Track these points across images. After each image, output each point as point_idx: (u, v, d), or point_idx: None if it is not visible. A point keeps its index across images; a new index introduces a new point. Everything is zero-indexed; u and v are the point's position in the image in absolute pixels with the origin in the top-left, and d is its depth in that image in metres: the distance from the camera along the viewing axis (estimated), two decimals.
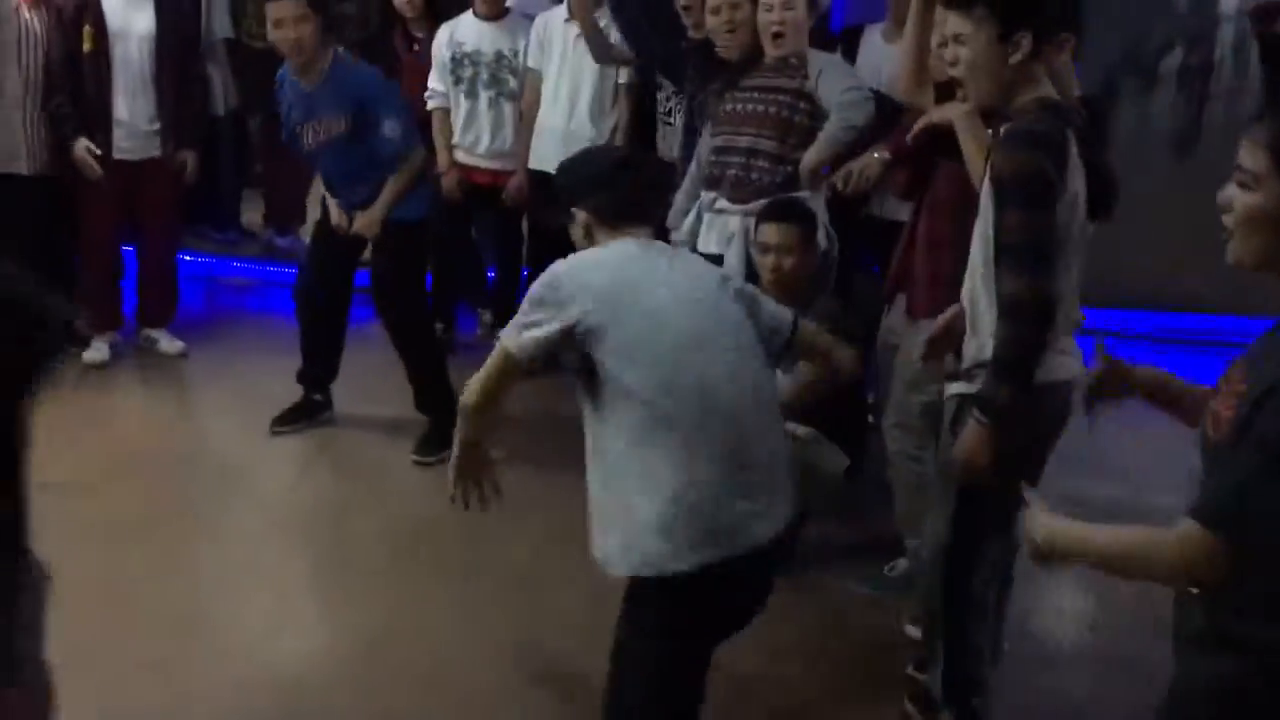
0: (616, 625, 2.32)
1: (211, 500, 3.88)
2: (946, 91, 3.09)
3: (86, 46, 4.54)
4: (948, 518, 2.55)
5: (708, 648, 2.35)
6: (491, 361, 2.37)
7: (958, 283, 3.12)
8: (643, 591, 2.25)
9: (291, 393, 4.40)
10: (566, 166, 2.67)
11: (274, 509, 3.88)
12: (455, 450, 2.51)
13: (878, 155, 3.48)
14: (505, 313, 5.14)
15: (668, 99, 4.48)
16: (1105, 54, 5.65)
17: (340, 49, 4.10)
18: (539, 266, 4.86)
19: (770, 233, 3.48)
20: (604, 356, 2.21)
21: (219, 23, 5.97)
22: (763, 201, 3.68)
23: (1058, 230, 2.36)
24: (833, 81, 3.65)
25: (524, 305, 2.33)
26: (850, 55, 4.35)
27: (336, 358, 4.42)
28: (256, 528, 3.73)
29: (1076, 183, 2.40)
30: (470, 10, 4.89)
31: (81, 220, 4.81)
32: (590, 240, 2.53)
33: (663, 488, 2.16)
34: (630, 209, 2.51)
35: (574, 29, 4.67)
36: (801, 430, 3.47)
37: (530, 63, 4.83)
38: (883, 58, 4.17)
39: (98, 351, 4.83)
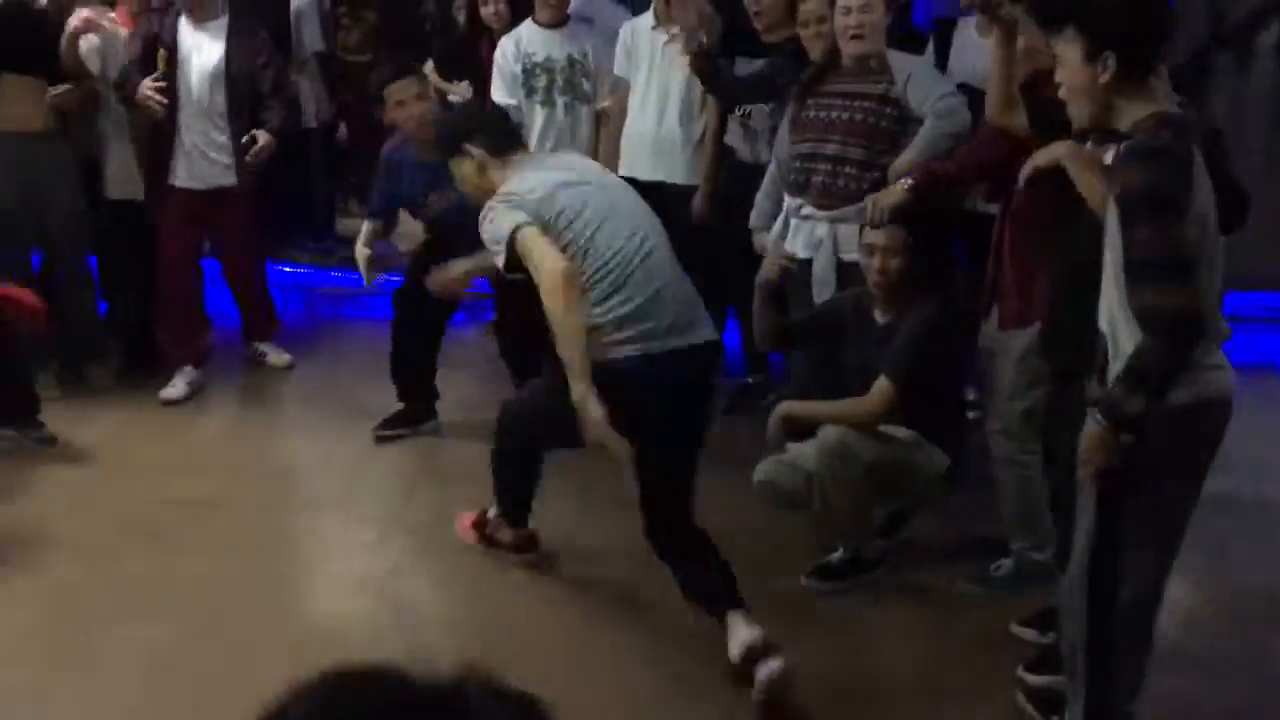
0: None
1: (327, 512, 4.01)
2: (1032, 99, 3.11)
3: (160, 68, 4.58)
4: (1088, 533, 2.50)
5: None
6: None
7: (1042, 291, 3.17)
8: None
9: (394, 400, 4.53)
10: (449, 121, 3.48)
11: (387, 520, 4.02)
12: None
13: (904, 185, 3.50)
14: None
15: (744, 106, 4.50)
16: (1195, 29, 5.55)
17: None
18: None
19: (875, 234, 3.51)
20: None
21: (310, 38, 6.12)
22: (850, 208, 3.72)
23: (1189, 246, 2.31)
24: (924, 87, 3.67)
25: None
26: (943, 48, 4.34)
27: (432, 367, 4.50)
28: (370, 538, 3.85)
29: (1204, 197, 2.36)
30: (529, 21, 4.91)
31: (157, 250, 4.80)
32: (482, 176, 3.20)
33: None
34: (511, 141, 3.30)
35: (661, 36, 4.70)
36: (902, 432, 3.51)
37: (616, 70, 4.87)
38: (977, 52, 4.15)
39: (174, 389, 4.76)
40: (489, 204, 3.06)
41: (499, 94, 4.90)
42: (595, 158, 4.85)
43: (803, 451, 3.57)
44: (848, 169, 3.75)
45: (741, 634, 3.01)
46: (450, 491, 4.03)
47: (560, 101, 4.91)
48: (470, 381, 4.66)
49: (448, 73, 5.49)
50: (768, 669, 2.94)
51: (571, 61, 4.89)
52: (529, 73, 4.88)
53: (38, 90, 4.50)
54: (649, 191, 4.63)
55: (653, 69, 4.75)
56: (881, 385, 3.43)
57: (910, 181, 3.49)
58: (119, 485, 4.10)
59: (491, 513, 3.64)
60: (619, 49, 4.85)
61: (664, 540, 3.16)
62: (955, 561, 3.65)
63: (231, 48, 4.66)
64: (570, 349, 2.92)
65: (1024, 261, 3.25)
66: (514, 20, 5.08)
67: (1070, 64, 2.40)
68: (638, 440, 2.98)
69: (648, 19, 4.80)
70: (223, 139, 4.70)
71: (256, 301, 5.19)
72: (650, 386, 3.01)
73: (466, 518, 3.72)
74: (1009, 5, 3.10)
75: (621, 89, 4.86)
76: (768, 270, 3.69)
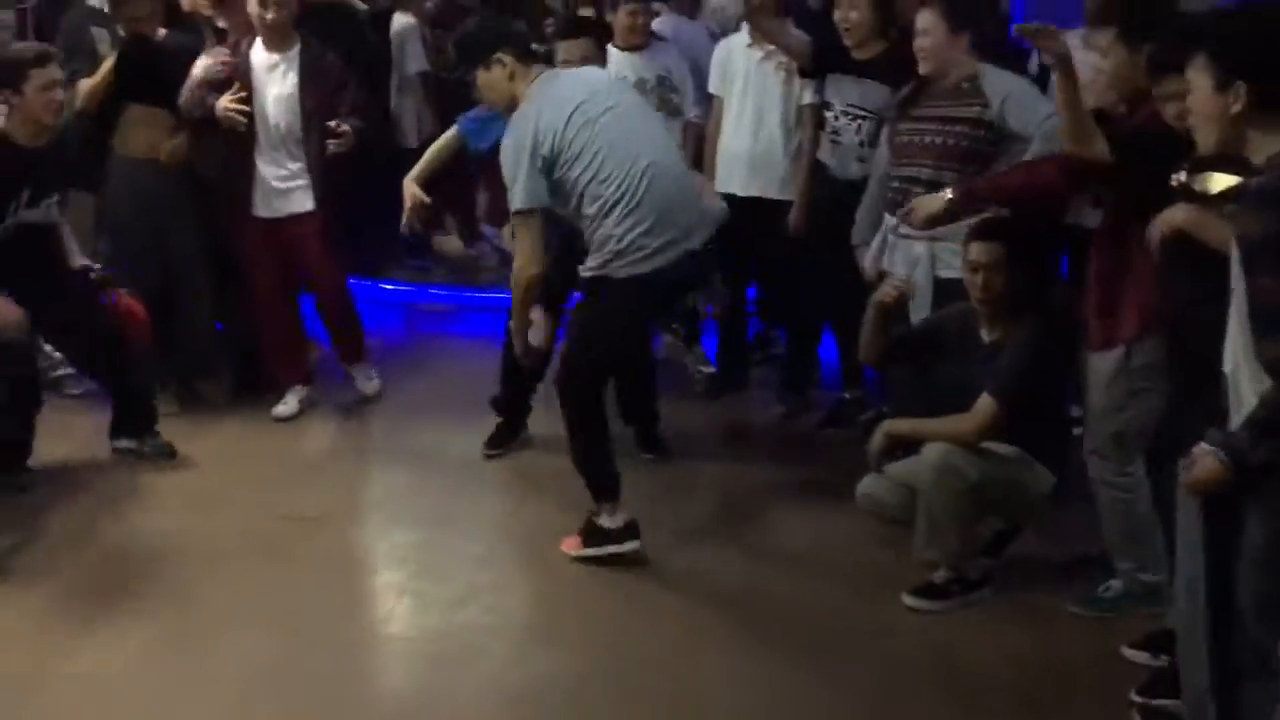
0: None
1: (433, 527, 4.08)
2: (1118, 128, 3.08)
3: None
4: (1203, 578, 2.45)
5: None
6: None
7: (1124, 314, 3.13)
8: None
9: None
10: (467, 32, 3.87)
11: (492, 534, 4.09)
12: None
13: (944, 196, 3.48)
14: (693, 329, 5.37)
15: (835, 118, 4.50)
16: None
17: None
18: (727, 280, 5.07)
19: (979, 251, 3.48)
20: None
21: (413, 58, 6.29)
22: (946, 227, 3.72)
23: None
24: (1024, 109, 3.65)
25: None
26: (1045, 64, 4.29)
27: (535, 385, 4.52)
28: (477, 552, 3.92)
29: None
30: (610, 47, 4.93)
31: (246, 280, 4.89)
32: (511, 83, 3.62)
33: None
34: (534, 54, 3.77)
35: (756, 53, 4.75)
36: (1007, 449, 3.48)
37: (711, 87, 4.93)
38: (1081, 64, 4.10)
39: (286, 406, 4.87)
40: (506, 138, 3.59)
41: None
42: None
43: (907, 466, 3.56)
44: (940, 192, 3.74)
45: (606, 521, 3.67)
46: (555, 504, 4.07)
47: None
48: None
49: None
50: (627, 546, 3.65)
51: (660, 79, 4.97)
52: None
53: (161, 118, 4.64)
54: (746, 206, 4.73)
55: (748, 86, 4.80)
56: (985, 403, 3.41)
57: (950, 194, 3.46)
58: (232, 499, 4.22)
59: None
60: (714, 66, 4.91)
61: (576, 399, 3.66)
62: (1063, 581, 3.60)
63: (305, 74, 4.65)
64: (517, 314, 3.78)
65: (1108, 284, 3.23)
66: None
67: (1200, 92, 2.33)
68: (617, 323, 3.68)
69: (742, 37, 4.87)
70: (298, 166, 4.71)
71: (344, 326, 5.11)
72: (662, 284, 3.59)
73: (570, 540, 3.79)
74: (1060, 41, 3.08)
75: (715, 106, 4.90)
76: (885, 294, 3.69)
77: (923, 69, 3.80)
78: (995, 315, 3.52)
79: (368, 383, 5.11)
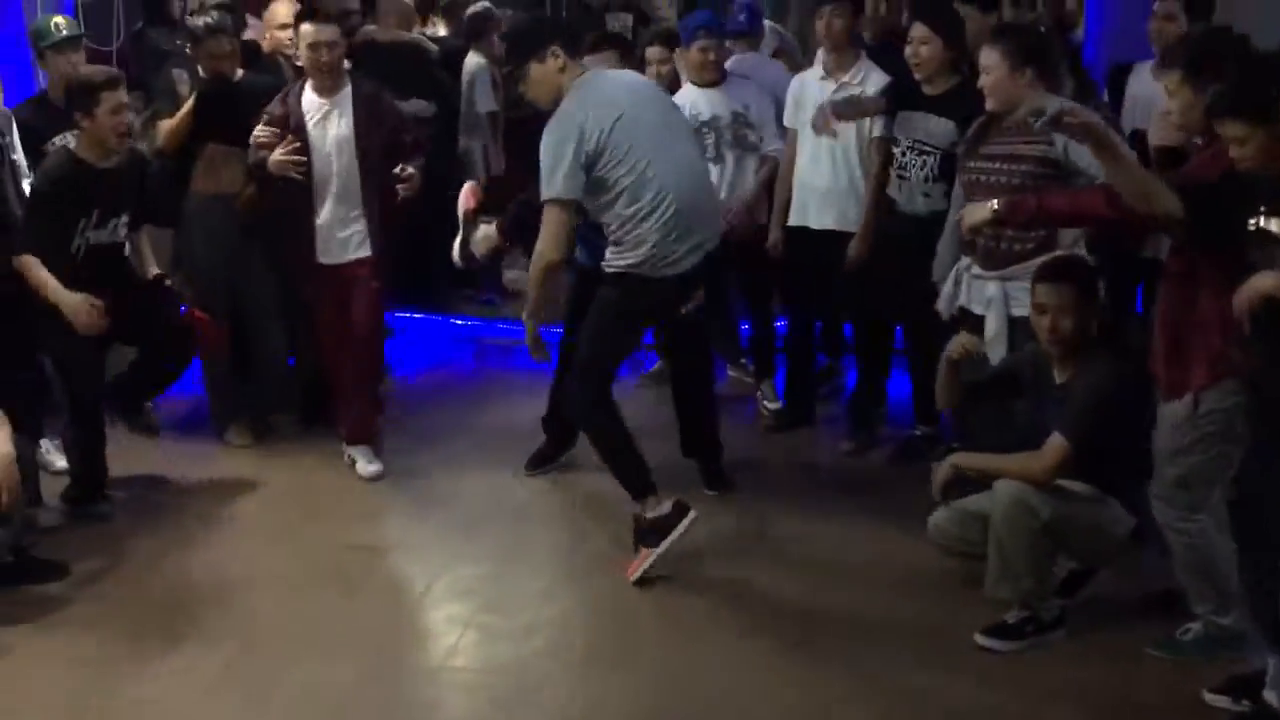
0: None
1: (497, 559, 4.09)
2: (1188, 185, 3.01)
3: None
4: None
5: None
6: None
7: (1194, 363, 3.06)
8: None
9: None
10: (521, 24, 4.08)
11: (556, 567, 4.09)
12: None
13: (991, 204, 3.42)
14: (764, 362, 5.34)
15: (903, 153, 4.48)
16: None
17: None
18: (797, 314, 5.10)
19: (1045, 293, 3.44)
20: None
21: (482, 99, 6.40)
22: (1018, 266, 3.69)
23: None
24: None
25: None
26: (1117, 94, 4.25)
27: None
28: (541, 586, 3.91)
29: None
30: (688, 83, 4.99)
31: (317, 334, 4.78)
32: (562, 75, 3.75)
33: None
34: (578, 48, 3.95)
35: (830, 86, 4.76)
36: (1082, 488, 3.40)
37: (786, 121, 4.94)
38: (1154, 93, 4.09)
39: (370, 464, 4.69)
40: (549, 132, 3.72)
41: None
42: (758, 204, 4.98)
43: (977, 502, 3.50)
44: (1010, 231, 3.71)
45: (653, 512, 3.78)
46: (615, 537, 4.05)
47: (730, 156, 4.99)
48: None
49: None
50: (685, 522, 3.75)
51: (736, 116, 4.96)
52: (697, 132, 4.91)
53: (239, 158, 4.71)
54: (819, 239, 4.72)
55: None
56: (1056, 443, 3.34)
57: (995, 204, 3.42)
58: (301, 530, 4.28)
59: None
60: (789, 100, 4.93)
61: (591, 401, 3.88)
62: (1142, 623, 3.50)
63: (359, 118, 4.55)
64: (531, 292, 3.93)
65: (1175, 329, 3.16)
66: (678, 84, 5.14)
67: (1255, 141, 2.29)
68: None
69: (816, 71, 4.87)
70: (356, 211, 4.61)
71: (362, 396, 4.81)
72: (685, 285, 3.88)
73: (630, 564, 3.81)
74: (1081, 120, 3.00)
75: (789, 138, 4.92)
76: (954, 350, 3.67)
77: (989, 105, 3.78)
78: (1066, 356, 3.47)
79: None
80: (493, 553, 4.12)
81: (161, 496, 4.53)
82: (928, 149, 4.39)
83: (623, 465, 3.88)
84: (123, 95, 4.19)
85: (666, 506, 3.78)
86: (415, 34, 6.55)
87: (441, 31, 7.03)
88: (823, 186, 4.78)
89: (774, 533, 4.23)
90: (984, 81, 3.76)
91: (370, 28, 6.03)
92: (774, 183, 4.95)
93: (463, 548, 4.17)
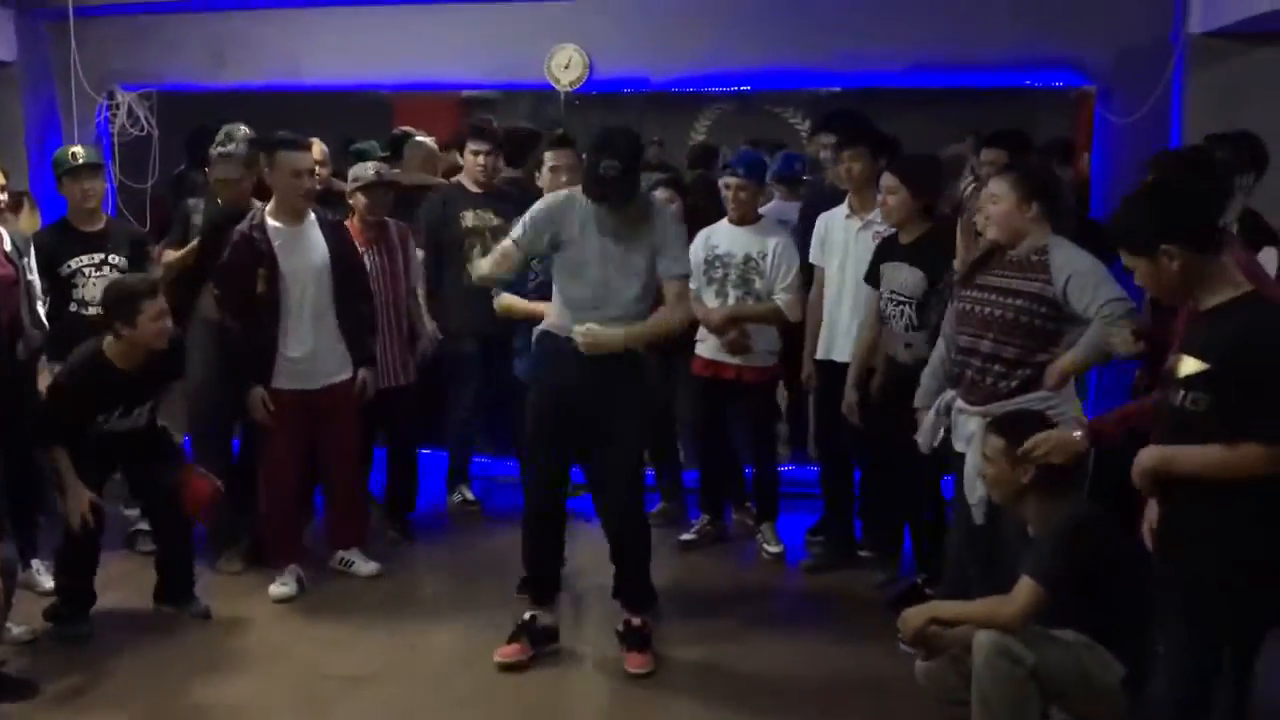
0: None
1: (482, 696, 3.98)
2: None
3: (260, 288, 4.57)
4: None
5: None
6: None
7: None
8: None
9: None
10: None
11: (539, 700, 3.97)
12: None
13: (1077, 435, 3.33)
14: (767, 505, 5.27)
15: (884, 305, 4.52)
16: None
17: None
18: (830, 453, 5.09)
19: (989, 444, 3.42)
20: None
21: None
22: (998, 404, 3.63)
23: None
24: (1088, 290, 3.51)
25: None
26: None
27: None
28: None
29: None
30: (725, 218, 5.13)
31: (263, 455, 4.78)
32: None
33: None
34: None
35: (855, 224, 4.85)
36: (1070, 635, 3.26)
37: (811, 258, 5.02)
38: None
39: (284, 586, 4.71)
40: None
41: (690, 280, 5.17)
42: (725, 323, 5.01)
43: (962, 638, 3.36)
44: (997, 367, 3.68)
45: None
46: (598, 663, 4.01)
47: (733, 294, 5.06)
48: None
49: None
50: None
51: (747, 259, 5.04)
52: (709, 263, 5.09)
53: None
54: (845, 373, 4.76)
55: (848, 257, 4.87)
56: (1025, 585, 3.21)
57: (1079, 434, 3.33)
58: (284, 656, 4.22)
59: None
60: (814, 239, 5.02)
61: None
62: None
63: (331, 241, 4.68)
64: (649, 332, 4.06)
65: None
66: (688, 220, 5.21)
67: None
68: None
69: (842, 209, 4.94)
70: (335, 332, 4.71)
71: (351, 505, 4.97)
72: None
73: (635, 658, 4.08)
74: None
75: (816, 275, 5.00)
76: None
77: (990, 234, 3.73)
78: (1007, 502, 3.41)
79: (366, 565, 4.93)
80: (473, 685, 4.03)
81: (146, 621, 4.49)
82: (902, 299, 4.42)
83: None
84: (163, 302, 4.20)
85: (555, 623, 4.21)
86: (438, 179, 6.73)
87: None
88: (848, 321, 4.83)
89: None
90: (990, 211, 3.71)
91: (395, 171, 6.21)
92: (752, 319, 5.03)
93: (445, 675, 4.08)
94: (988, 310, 3.72)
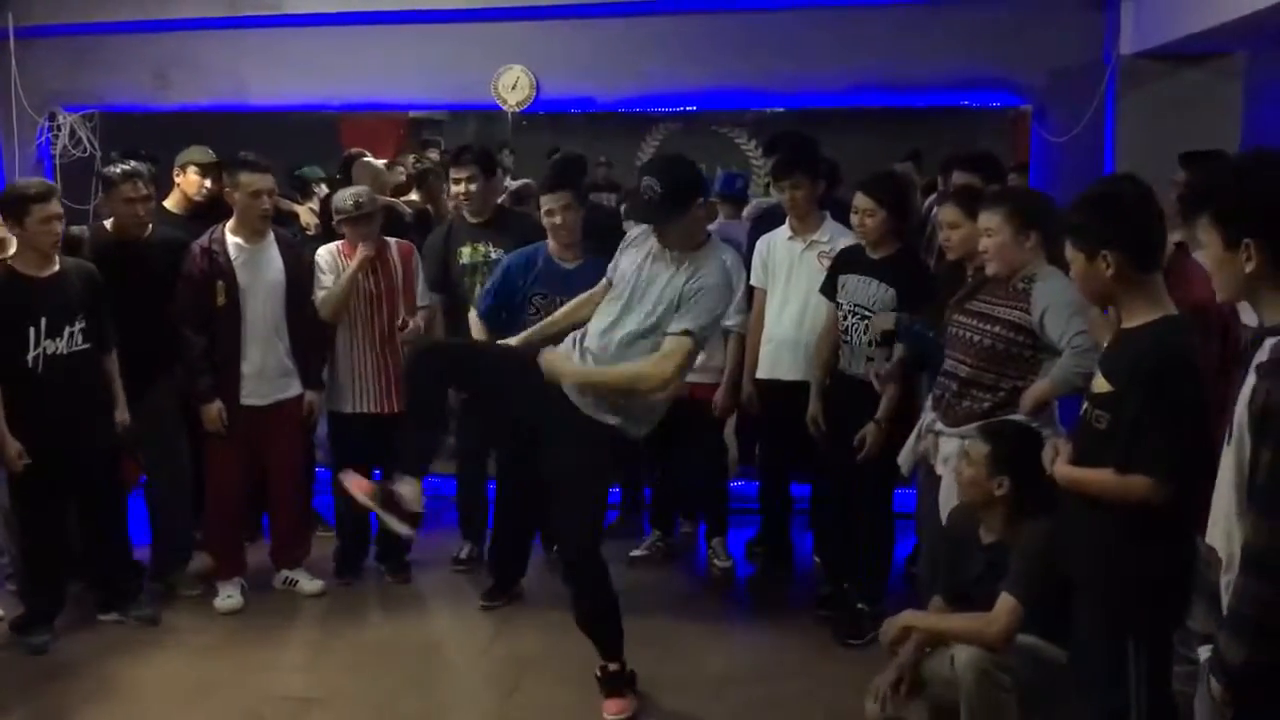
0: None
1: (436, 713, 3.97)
2: None
3: (220, 301, 4.65)
4: None
5: None
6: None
7: None
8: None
9: None
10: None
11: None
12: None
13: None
14: (716, 520, 5.31)
15: (844, 317, 4.53)
16: None
17: None
18: (770, 468, 5.14)
19: (974, 446, 3.43)
20: None
21: None
22: (970, 426, 3.63)
23: None
24: (1060, 321, 3.53)
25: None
26: None
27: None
28: None
29: None
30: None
31: (207, 467, 4.83)
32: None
33: None
34: None
35: (798, 245, 4.87)
36: (1058, 651, 3.20)
37: (753, 281, 5.01)
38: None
39: (230, 599, 4.77)
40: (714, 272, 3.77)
41: None
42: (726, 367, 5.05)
43: (930, 673, 3.38)
44: (974, 390, 3.71)
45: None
46: (557, 688, 3.99)
47: None
48: None
49: None
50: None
51: None
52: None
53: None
54: (791, 391, 4.79)
55: (792, 276, 4.89)
56: (1005, 603, 3.23)
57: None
58: (234, 680, 4.19)
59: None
60: (755, 260, 5.02)
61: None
62: None
63: (288, 261, 4.78)
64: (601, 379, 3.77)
65: None
66: None
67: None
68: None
69: (784, 231, 4.96)
70: (286, 350, 4.78)
71: (294, 523, 5.01)
72: None
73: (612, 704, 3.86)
74: None
75: (757, 297, 5.01)
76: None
77: (989, 270, 3.70)
78: (983, 514, 3.42)
79: (311, 583, 4.95)
80: (422, 712, 4.01)
81: (95, 642, 4.46)
82: (868, 313, 4.42)
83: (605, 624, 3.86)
84: (54, 207, 4.28)
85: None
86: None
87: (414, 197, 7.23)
88: (790, 340, 4.85)
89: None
90: (985, 245, 3.67)
91: (377, 198, 6.17)
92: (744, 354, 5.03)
93: (398, 702, 4.06)
94: (970, 335, 3.74)
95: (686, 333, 3.60)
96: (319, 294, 4.87)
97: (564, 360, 3.72)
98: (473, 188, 5.06)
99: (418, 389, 3.84)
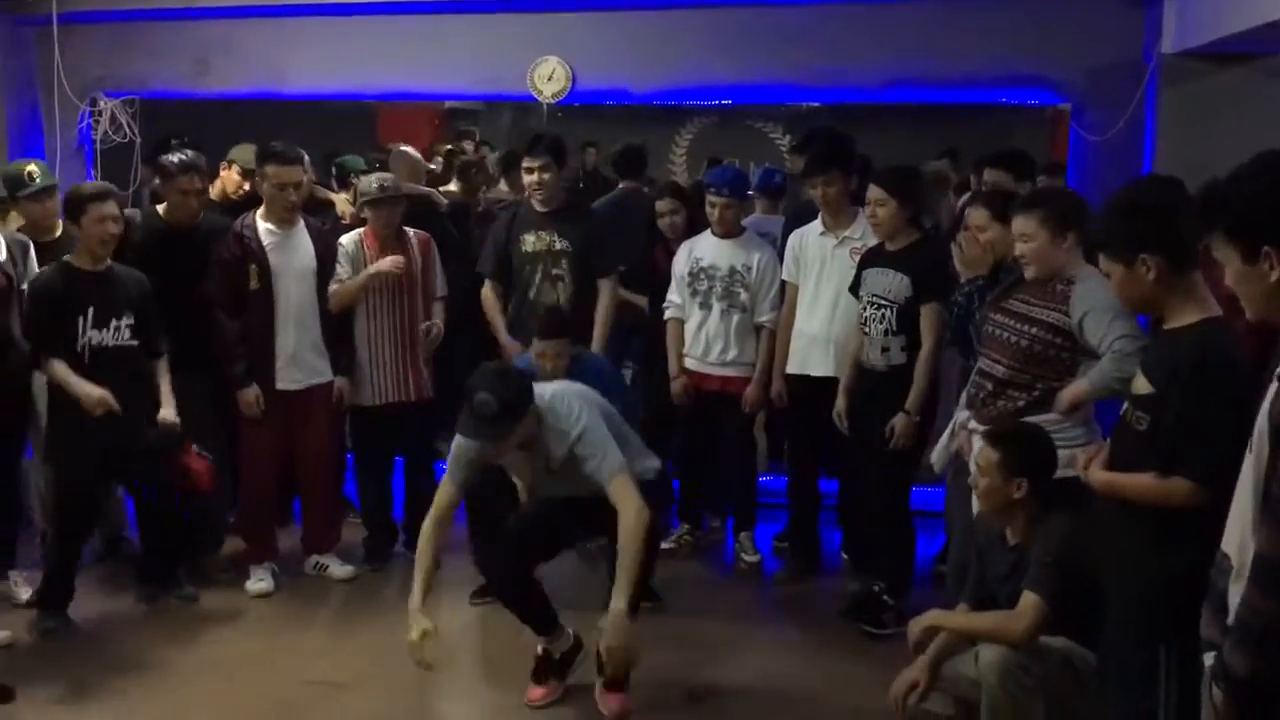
0: None
1: (462, 699, 3.99)
2: None
3: (253, 285, 4.73)
4: None
5: None
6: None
7: None
8: None
9: None
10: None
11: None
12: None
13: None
14: (745, 514, 5.32)
15: (864, 309, 4.55)
16: None
17: None
18: (799, 463, 5.15)
19: (983, 454, 3.42)
20: None
21: None
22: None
23: None
24: (1101, 325, 3.47)
25: None
26: None
27: None
28: None
29: None
30: (707, 231, 5.17)
31: (242, 451, 4.89)
32: None
33: None
34: None
35: (831, 241, 4.88)
36: (1082, 651, 3.22)
37: (785, 275, 5.03)
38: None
39: (261, 581, 4.82)
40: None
41: (672, 292, 5.22)
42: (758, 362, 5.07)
43: (955, 672, 3.38)
44: (1010, 390, 3.67)
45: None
46: (586, 674, 3.99)
47: (717, 306, 5.10)
48: None
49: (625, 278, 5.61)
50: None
51: (732, 271, 5.08)
52: (694, 276, 5.13)
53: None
54: (823, 386, 4.80)
55: (824, 271, 4.90)
56: (1029, 599, 3.21)
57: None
58: (266, 663, 4.23)
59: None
60: (788, 255, 5.04)
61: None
62: None
63: (319, 248, 4.84)
64: None
65: None
66: (690, 233, 5.29)
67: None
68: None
69: (816, 227, 4.97)
70: (318, 335, 4.83)
71: (326, 509, 5.06)
72: None
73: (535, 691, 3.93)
74: None
75: (789, 292, 5.02)
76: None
77: (1028, 274, 3.66)
78: (997, 516, 3.39)
79: (342, 568, 5.01)
80: (451, 696, 4.04)
81: (124, 625, 4.52)
82: (884, 303, 4.46)
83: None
84: (109, 208, 4.39)
85: (569, 640, 3.96)
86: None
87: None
88: (822, 335, 4.86)
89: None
90: (1022, 250, 3.62)
91: (401, 184, 6.20)
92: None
93: (426, 688, 4.08)
94: (1006, 335, 3.70)
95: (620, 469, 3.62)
96: (332, 285, 4.92)
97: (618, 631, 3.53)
98: (545, 176, 5.03)
99: (519, 605, 3.97)
